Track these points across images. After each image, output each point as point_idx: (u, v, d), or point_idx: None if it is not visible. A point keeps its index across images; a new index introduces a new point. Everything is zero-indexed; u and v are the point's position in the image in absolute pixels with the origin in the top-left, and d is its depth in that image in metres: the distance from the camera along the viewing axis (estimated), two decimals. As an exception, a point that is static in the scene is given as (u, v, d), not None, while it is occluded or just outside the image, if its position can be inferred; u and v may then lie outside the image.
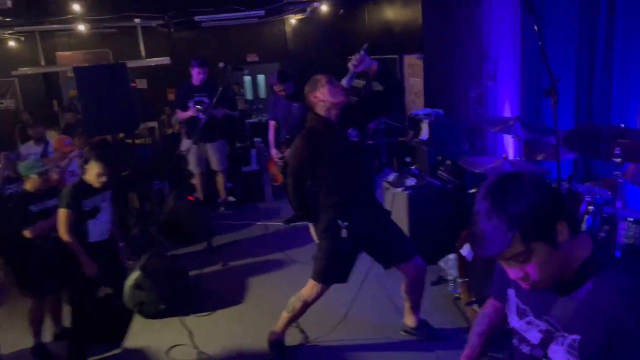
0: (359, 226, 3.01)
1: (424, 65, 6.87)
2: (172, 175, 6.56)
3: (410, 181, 4.52)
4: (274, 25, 10.77)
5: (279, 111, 5.59)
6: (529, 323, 1.53)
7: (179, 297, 4.11)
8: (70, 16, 8.76)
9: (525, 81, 4.75)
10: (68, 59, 10.49)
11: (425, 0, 6.69)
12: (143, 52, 9.83)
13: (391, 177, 4.79)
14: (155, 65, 9.61)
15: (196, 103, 5.81)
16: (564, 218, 1.35)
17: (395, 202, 4.54)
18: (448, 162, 4.81)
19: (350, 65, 2.98)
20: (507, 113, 5.05)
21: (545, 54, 2.65)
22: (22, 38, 10.47)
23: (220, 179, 6.40)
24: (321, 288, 3.12)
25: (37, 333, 3.75)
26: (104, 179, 3.76)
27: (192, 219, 5.56)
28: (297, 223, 5.66)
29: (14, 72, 9.92)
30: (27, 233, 3.58)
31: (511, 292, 1.62)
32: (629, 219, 2.93)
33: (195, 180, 6.27)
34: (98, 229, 3.95)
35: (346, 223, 2.97)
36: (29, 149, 6.01)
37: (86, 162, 3.80)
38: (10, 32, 10.00)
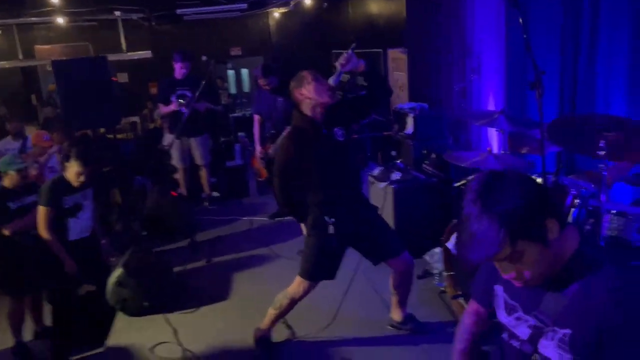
0: (345, 223, 2.99)
1: (408, 59, 6.86)
2: (154, 170, 6.48)
3: (396, 175, 4.51)
4: (258, 19, 10.67)
5: (263, 105, 5.53)
6: (517, 319, 1.52)
7: (162, 294, 4.05)
8: (49, 8, 8.59)
9: (509, 75, 4.76)
10: (47, 52, 10.27)
11: (409, -7, 6.68)
12: (124, 46, 9.68)
13: (376, 171, 4.78)
14: (136, 58, 9.47)
15: (179, 97, 5.74)
16: (552, 214, 1.33)
17: (381, 196, 4.53)
18: (433, 155, 4.80)
19: (337, 64, 2.94)
20: (491, 106, 5.06)
21: (530, 47, 2.64)
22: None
23: (203, 174, 6.34)
24: (308, 285, 3.10)
25: (17, 332, 3.67)
26: (82, 178, 3.68)
27: (176, 214, 5.51)
28: (282, 218, 5.63)
29: (-10, 66, 9.70)
30: (5, 230, 3.50)
31: (499, 288, 1.61)
32: (612, 211, 2.95)
33: (179, 175, 6.21)
34: (79, 226, 3.87)
35: (333, 219, 2.95)
36: (7, 144, 5.86)
37: (66, 158, 3.71)
38: (-14, 25, 9.77)
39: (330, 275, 3.11)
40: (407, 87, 7.00)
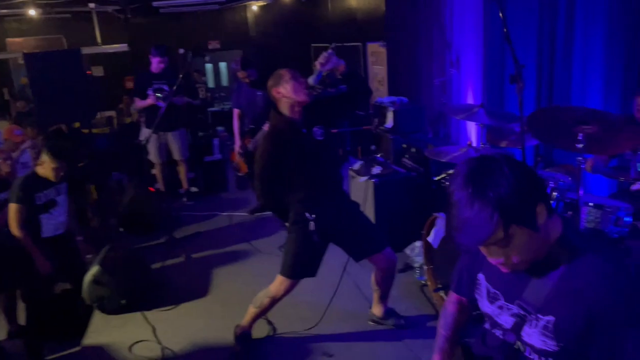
0: (326, 219, 2.97)
1: (388, 53, 6.86)
2: (131, 165, 6.37)
3: (376, 169, 4.50)
4: (236, 12, 10.56)
5: (242, 99, 5.47)
6: (500, 307, 1.52)
7: (140, 292, 3.98)
8: (21, 0, 8.36)
9: (487, 69, 4.79)
10: (19, 45, 10.02)
11: (388, -13, 6.67)
12: (99, 39, 9.49)
13: (357, 165, 4.76)
14: (112, 52, 9.29)
15: (155, 91, 5.64)
16: (542, 199, 1.33)
17: (361, 190, 4.52)
18: (413, 149, 4.81)
19: (317, 64, 2.91)
20: (470, 100, 5.09)
21: (511, 40, 2.65)
22: (-31, 23, 9.95)
23: (182, 169, 6.25)
24: (290, 284, 3.06)
25: (-10, 332, 3.58)
26: (61, 173, 3.60)
27: (153, 210, 5.43)
28: (261, 213, 5.59)
29: (-40, 59, 9.44)
30: (-24, 228, 3.40)
31: (481, 277, 1.61)
32: (590, 204, 2.98)
33: (156, 171, 6.11)
34: (52, 223, 3.80)
35: (314, 216, 2.92)
36: (-23, 139, 5.71)
37: (39, 153, 3.62)
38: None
39: (312, 272, 3.08)
40: (387, 81, 7.00)
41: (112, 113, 9.38)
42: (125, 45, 9.36)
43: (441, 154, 3.68)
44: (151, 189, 5.87)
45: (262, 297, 3.16)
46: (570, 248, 1.37)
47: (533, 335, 1.40)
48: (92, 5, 8.89)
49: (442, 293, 3.54)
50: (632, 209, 2.92)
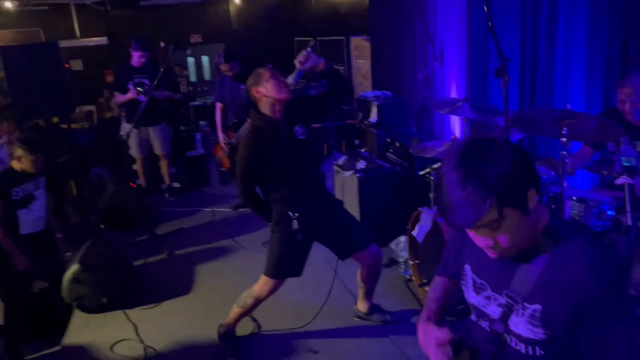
0: (310, 217, 2.94)
1: (371, 47, 6.83)
2: (112, 161, 6.27)
3: (361, 164, 4.48)
4: (218, 5, 10.42)
5: (226, 92, 5.40)
6: (487, 298, 1.52)
7: (122, 290, 3.91)
8: (-4, -8, 8.16)
9: (471, 63, 4.78)
10: (-5, 38, 9.80)
11: (372, -20, 6.63)
12: (77, 32, 9.30)
13: (341, 160, 4.74)
14: (91, 45, 9.12)
15: (136, 85, 5.54)
16: (534, 184, 1.33)
17: (346, 185, 4.51)
18: (397, 144, 4.80)
19: (296, 62, 2.87)
20: (453, 94, 5.09)
21: (496, 34, 2.63)
22: (-58, 16, 9.69)
23: (163, 164, 6.16)
24: (274, 284, 3.03)
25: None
26: (39, 164, 3.53)
27: (135, 206, 5.34)
28: (245, 209, 5.53)
29: None
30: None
31: (467, 268, 1.60)
32: (573, 197, 3.00)
33: (137, 166, 6.02)
34: (31, 219, 3.72)
35: (297, 214, 2.89)
36: (-48, 135, 5.56)
37: (14, 147, 3.54)
38: None
39: (297, 272, 3.05)
40: (371, 75, 6.97)
41: (92, 107, 9.21)
42: (105, 38, 9.19)
43: (426, 150, 3.67)
44: (132, 184, 5.79)
45: (246, 297, 3.12)
46: (556, 237, 1.38)
47: (520, 325, 1.40)
48: (70, -3, 8.72)
49: (427, 288, 3.54)
50: (614, 202, 2.93)
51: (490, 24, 2.69)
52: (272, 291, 3.06)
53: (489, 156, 1.26)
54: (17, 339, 3.49)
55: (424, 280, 3.58)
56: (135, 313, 3.77)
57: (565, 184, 2.90)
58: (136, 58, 5.63)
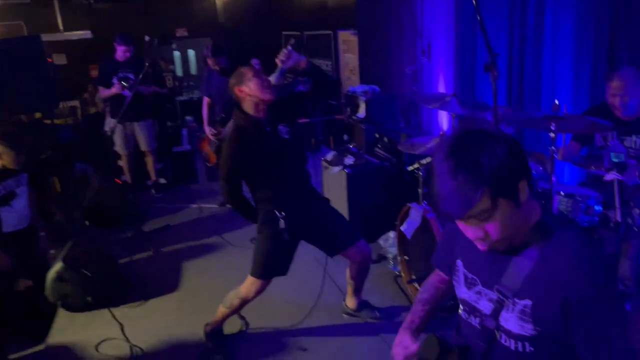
0: (296, 216, 2.91)
1: (359, 41, 6.79)
2: (96, 157, 6.18)
3: (349, 160, 4.46)
4: (204, -2, 10.32)
5: (213, 87, 5.35)
6: (478, 293, 1.51)
7: (107, 288, 3.86)
8: (-24, -16, 7.99)
9: (459, 57, 4.77)
10: (-25, 32, 9.61)
11: (359, -26, 6.58)
12: (61, 25, 9.15)
13: (329, 155, 4.71)
14: (75, 39, 8.97)
15: (121, 80, 5.47)
16: (526, 176, 1.32)
17: (334, 181, 4.48)
18: (385, 139, 4.77)
19: (277, 61, 2.84)
20: (441, 89, 5.08)
21: (485, 28, 2.61)
22: None
23: (149, 160, 6.10)
24: (261, 284, 2.99)
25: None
26: (21, 160, 3.47)
27: (120, 203, 5.28)
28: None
29: None
30: None
31: (459, 263, 1.60)
32: (561, 193, 3.00)
33: (123, 162, 5.94)
34: (13, 217, 3.66)
35: (283, 213, 2.86)
36: None
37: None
38: None
39: (283, 271, 3.02)
40: (358, 69, 6.94)
41: (76, 103, 9.06)
42: (89, 32, 9.04)
43: (414, 146, 3.65)
44: (117, 180, 5.72)
45: (232, 297, 3.09)
46: (547, 232, 1.37)
47: (510, 320, 1.40)
48: (53, -10, 8.57)
49: (416, 284, 3.53)
50: (601, 197, 2.94)
51: (479, 17, 2.67)
52: (259, 292, 3.03)
53: (482, 146, 1.26)
54: (1, 338, 3.43)
55: (413, 277, 3.57)
56: (120, 311, 3.72)
57: (553, 179, 2.90)
58: (121, 52, 5.55)
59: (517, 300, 1.38)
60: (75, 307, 3.73)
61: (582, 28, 3.80)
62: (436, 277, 1.83)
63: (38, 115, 6.58)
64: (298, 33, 8.74)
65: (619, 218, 2.39)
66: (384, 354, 3.08)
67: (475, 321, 1.53)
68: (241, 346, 3.28)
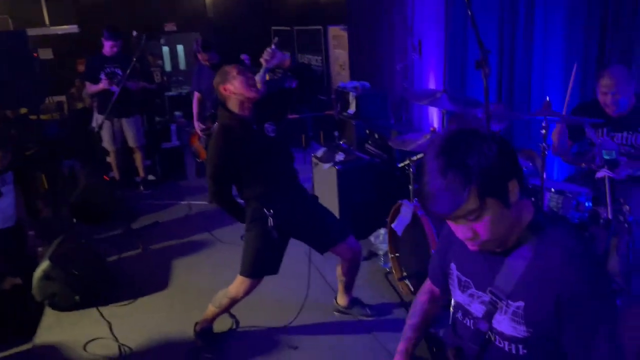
0: (284, 214, 2.89)
1: (349, 37, 6.77)
2: (84, 153, 6.11)
3: (339, 156, 4.44)
4: (192, -8, 10.24)
5: (203, 82, 5.29)
6: (471, 296, 1.51)
7: (95, 286, 3.81)
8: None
9: (450, 54, 4.76)
10: (-41, 26, 9.45)
11: (349, -31, 6.55)
12: (47, 19, 9.03)
13: (320, 152, 4.69)
14: (61, 33, 8.86)
15: (108, 75, 5.40)
16: (516, 176, 1.31)
17: (325, 177, 4.46)
18: (376, 135, 4.76)
19: (262, 60, 2.82)
20: (432, 85, 5.07)
21: (476, 24, 2.60)
22: None
23: (138, 157, 6.03)
24: (250, 284, 2.96)
25: None
26: (4, 161, 3.41)
27: (108, 199, 5.23)
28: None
29: None
30: None
31: (453, 266, 1.60)
32: (551, 189, 3.01)
33: (111, 158, 5.88)
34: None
35: (272, 211, 2.83)
36: None
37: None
38: None
39: (273, 269, 2.99)
40: (349, 65, 6.91)
41: (63, 98, 8.95)
42: (75, 26, 8.94)
43: (405, 143, 3.63)
44: (105, 177, 5.66)
45: (222, 297, 3.06)
46: (541, 233, 1.37)
47: (503, 322, 1.40)
48: (38, -17, 8.45)
49: (407, 282, 3.53)
50: (591, 194, 2.95)
51: (470, 13, 2.65)
52: (249, 291, 3.00)
53: (472, 146, 1.26)
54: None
55: (404, 274, 3.56)
56: (109, 310, 3.68)
57: (545, 176, 2.91)
58: (108, 47, 5.49)
59: (510, 302, 1.38)
60: (63, 306, 3.67)
61: (572, 27, 3.80)
62: (425, 295, 1.81)
63: (24, 110, 6.49)
64: (288, 28, 8.69)
65: (610, 215, 2.39)
66: (375, 351, 3.07)
67: (470, 323, 1.53)
68: (231, 345, 3.26)
